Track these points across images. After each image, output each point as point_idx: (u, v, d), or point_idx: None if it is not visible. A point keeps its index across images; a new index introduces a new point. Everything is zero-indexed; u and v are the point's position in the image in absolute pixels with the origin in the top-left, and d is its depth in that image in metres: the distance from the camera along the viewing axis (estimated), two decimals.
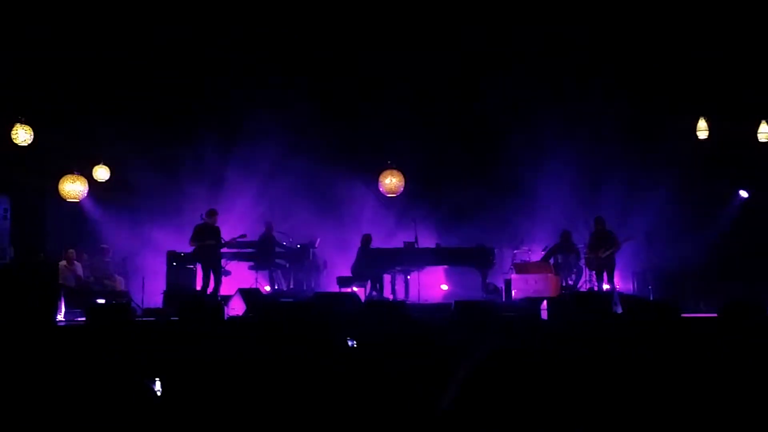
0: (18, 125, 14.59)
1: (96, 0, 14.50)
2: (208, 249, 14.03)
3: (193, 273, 14.91)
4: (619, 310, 12.82)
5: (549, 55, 15.60)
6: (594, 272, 14.72)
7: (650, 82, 15.80)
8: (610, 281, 14.35)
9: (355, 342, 7.80)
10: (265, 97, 15.88)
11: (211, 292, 13.83)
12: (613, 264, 14.46)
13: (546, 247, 15.67)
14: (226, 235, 14.60)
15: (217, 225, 14.28)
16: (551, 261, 15.24)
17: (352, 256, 15.23)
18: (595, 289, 14.81)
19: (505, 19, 15.04)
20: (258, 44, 15.63)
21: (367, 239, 15.16)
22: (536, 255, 15.74)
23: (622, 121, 16.06)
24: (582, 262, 15.35)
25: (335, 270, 16.07)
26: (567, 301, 12.86)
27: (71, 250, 14.93)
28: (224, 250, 15.18)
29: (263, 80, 16.05)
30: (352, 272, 14.97)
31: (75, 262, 14.92)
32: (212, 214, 14.24)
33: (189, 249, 14.99)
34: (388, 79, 16.18)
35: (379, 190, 15.42)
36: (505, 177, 16.57)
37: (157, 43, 15.40)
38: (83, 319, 10.91)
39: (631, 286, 15.36)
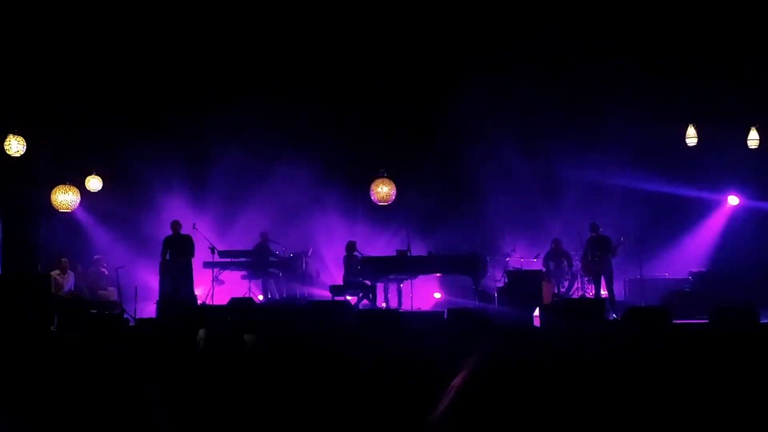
0: (11, 136, 14.57)
1: (88, 11, 14.50)
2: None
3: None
4: (612, 317, 12.88)
5: (536, 62, 15.66)
6: (592, 278, 14.72)
7: (638, 88, 15.86)
8: (609, 287, 14.35)
9: (347, 351, 7.81)
10: (258, 106, 15.88)
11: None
12: (611, 270, 14.48)
13: (538, 254, 15.72)
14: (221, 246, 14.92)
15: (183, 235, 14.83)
16: (543, 269, 15.30)
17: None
18: (587, 295, 14.84)
19: (491, 26, 15.13)
20: (251, 53, 15.67)
21: (351, 246, 15.18)
22: (527, 262, 15.78)
23: (613, 128, 16.11)
24: (575, 269, 15.39)
25: (328, 279, 16.08)
26: (559, 307, 12.91)
27: (64, 260, 14.90)
28: (218, 259, 15.25)
29: (256, 90, 16.06)
30: (344, 281, 14.97)
31: (68, 271, 14.89)
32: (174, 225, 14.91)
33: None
34: (382, 86, 16.22)
35: None
36: (496, 185, 16.59)
37: (149, 52, 15.42)
38: (76, 329, 10.90)
39: (623, 293, 15.39)
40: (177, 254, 14.56)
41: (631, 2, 14.91)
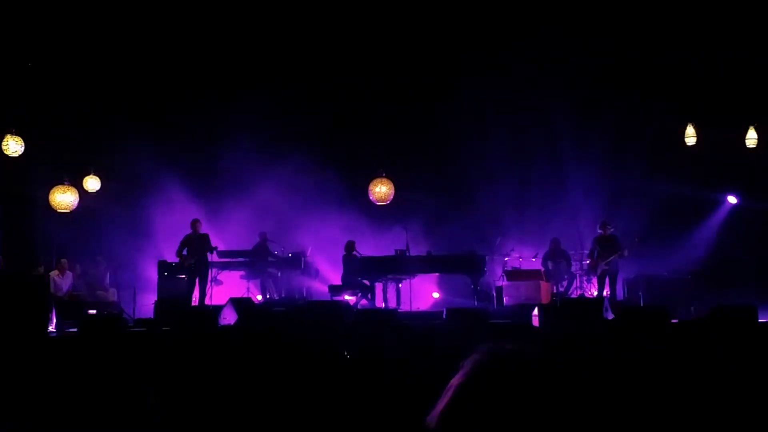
0: (9, 136, 14.57)
1: (87, 10, 14.49)
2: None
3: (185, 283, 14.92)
4: (610, 316, 12.88)
5: (536, 62, 15.66)
6: (597, 277, 14.66)
7: (638, 88, 15.86)
8: (612, 287, 14.30)
9: (346, 351, 7.81)
10: (257, 106, 15.89)
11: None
12: (617, 269, 14.45)
13: (536, 254, 15.71)
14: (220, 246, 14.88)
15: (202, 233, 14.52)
16: (542, 268, 15.29)
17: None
18: (586, 295, 14.82)
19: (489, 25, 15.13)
20: (251, 52, 15.67)
21: (350, 246, 15.17)
22: (526, 262, 15.77)
23: (610, 127, 16.12)
24: (574, 268, 15.37)
25: (327, 279, 16.08)
26: (558, 307, 12.90)
27: (63, 260, 14.90)
28: (217, 259, 15.23)
29: (255, 89, 16.06)
30: (342, 281, 14.96)
31: (67, 271, 14.89)
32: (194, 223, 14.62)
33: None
34: (382, 86, 16.22)
35: None
36: (495, 185, 16.59)
37: (149, 51, 15.41)
38: (75, 330, 10.90)
39: (623, 292, 15.39)
40: (194, 253, 14.48)
41: (631, 2, 14.91)
